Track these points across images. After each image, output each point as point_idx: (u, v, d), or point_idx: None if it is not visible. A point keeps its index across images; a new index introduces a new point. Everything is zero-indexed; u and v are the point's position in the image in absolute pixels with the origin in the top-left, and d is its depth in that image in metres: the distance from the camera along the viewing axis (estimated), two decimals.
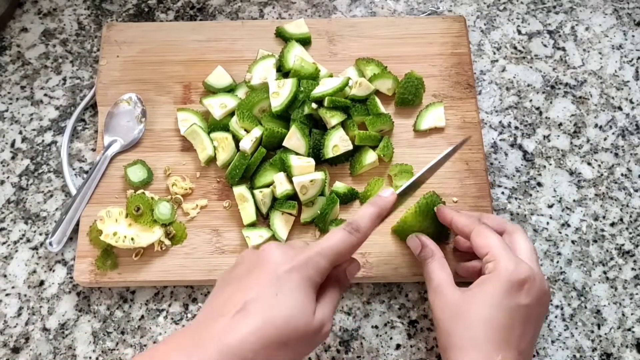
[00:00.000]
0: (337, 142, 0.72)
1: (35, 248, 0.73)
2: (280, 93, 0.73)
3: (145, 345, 0.68)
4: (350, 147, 0.72)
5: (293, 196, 0.70)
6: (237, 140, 0.73)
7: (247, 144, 0.71)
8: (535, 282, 0.57)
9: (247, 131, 0.73)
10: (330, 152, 0.72)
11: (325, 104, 0.72)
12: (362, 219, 0.57)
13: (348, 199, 0.72)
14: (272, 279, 0.52)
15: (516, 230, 0.63)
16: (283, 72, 0.77)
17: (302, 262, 0.53)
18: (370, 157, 0.73)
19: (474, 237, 0.61)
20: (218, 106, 0.74)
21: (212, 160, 0.74)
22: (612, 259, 0.72)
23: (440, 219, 0.67)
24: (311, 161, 0.70)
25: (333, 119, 0.72)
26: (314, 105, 0.72)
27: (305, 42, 0.80)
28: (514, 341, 0.56)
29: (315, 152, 0.72)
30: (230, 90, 0.77)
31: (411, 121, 0.76)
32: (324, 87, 0.73)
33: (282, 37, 0.80)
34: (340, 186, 0.72)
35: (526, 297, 0.56)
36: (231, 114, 0.75)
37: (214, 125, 0.74)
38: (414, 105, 0.77)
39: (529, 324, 0.57)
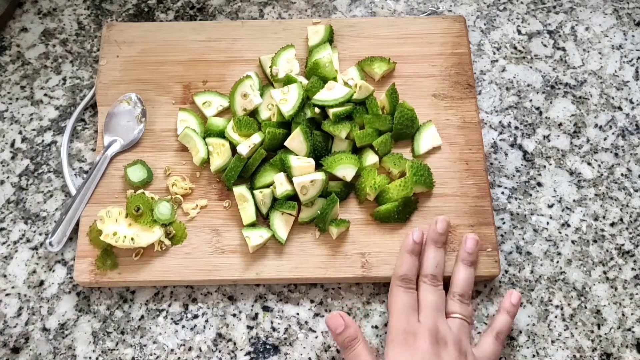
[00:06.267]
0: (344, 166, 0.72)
1: (35, 248, 0.73)
2: (288, 99, 0.72)
3: (145, 346, 0.68)
4: (352, 174, 0.71)
5: (293, 196, 0.70)
6: (233, 147, 0.73)
7: (244, 149, 0.71)
8: None
9: (246, 137, 0.73)
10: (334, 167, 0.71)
11: (332, 118, 0.72)
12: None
13: (345, 194, 0.72)
14: None
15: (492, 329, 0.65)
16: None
17: None
18: (371, 158, 0.73)
19: None
20: (210, 106, 0.75)
21: (206, 162, 0.74)
22: (612, 259, 0.72)
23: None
24: (311, 161, 0.70)
25: (342, 132, 0.72)
26: (316, 110, 0.72)
27: (330, 40, 0.79)
28: None
29: (316, 154, 0.72)
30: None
31: (408, 148, 0.75)
32: (327, 93, 0.73)
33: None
34: (334, 184, 0.72)
35: None
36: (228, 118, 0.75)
37: (210, 132, 0.74)
38: (411, 134, 0.75)
39: None
